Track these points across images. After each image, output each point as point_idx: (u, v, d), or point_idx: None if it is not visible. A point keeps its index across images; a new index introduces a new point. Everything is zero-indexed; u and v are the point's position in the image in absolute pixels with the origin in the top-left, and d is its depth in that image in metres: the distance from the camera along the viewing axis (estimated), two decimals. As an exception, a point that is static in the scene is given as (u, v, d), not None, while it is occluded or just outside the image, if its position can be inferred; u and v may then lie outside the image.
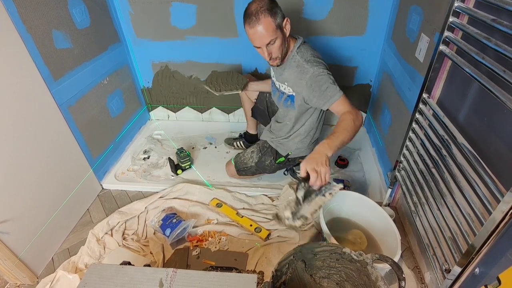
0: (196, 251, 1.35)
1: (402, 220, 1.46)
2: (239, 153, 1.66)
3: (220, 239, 1.39)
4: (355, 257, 0.96)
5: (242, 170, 1.62)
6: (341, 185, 1.03)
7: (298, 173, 1.67)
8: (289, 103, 1.39)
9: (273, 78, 1.47)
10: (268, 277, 0.93)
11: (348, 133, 1.07)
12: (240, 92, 1.61)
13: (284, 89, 1.36)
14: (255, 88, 1.70)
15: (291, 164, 1.64)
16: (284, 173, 1.75)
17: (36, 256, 1.29)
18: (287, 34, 1.23)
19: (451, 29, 0.93)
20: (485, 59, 0.75)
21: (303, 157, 1.60)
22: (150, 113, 2.28)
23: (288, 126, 1.49)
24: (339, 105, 1.19)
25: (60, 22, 1.38)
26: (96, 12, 1.62)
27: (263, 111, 1.74)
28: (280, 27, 1.18)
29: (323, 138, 1.12)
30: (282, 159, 1.57)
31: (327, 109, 1.25)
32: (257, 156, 1.59)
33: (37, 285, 1.24)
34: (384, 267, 1.04)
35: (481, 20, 0.78)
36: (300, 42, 1.29)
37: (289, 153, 1.55)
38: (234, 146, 1.96)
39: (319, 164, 0.98)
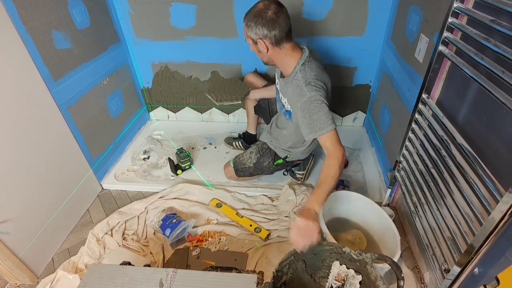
0: (196, 251, 1.35)
1: (402, 220, 1.46)
2: (238, 154, 1.66)
3: (220, 239, 1.39)
4: (354, 256, 0.96)
5: (240, 170, 1.62)
6: (359, 278, 0.93)
7: (298, 173, 1.67)
8: (288, 117, 1.38)
9: (277, 86, 1.46)
10: (267, 277, 0.93)
11: (334, 181, 1.06)
12: (239, 102, 1.61)
13: (285, 103, 1.35)
14: (256, 97, 1.71)
15: (289, 166, 1.65)
16: (284, 173, 1.76)
17: (36, 256, 1.29)
18: (266, 52, 1.21)
19: (451, 29, 0.94)
20: (484, 60, 0.75)
21: (301, 160, 1.60)
22: (150, 113, 2.29)
23: (286, 137, 1.49)
24: (326, 139, 1.14)
25: (60, 23, 1.38)
26: (96, 12, 1.62)
27: (265, 109, 1.75)
28: (253, 41, 1.20)
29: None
30: (280, 161, 1.57)
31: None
32: (255, 157, 1.59)
33: (37, 285, 1.24)
34: (384, 267, 1.04)
35: (480, 20, 0.78)
36: (305, 57, 1.21)
37: (288, 156, 1.55)
38: (233, 146, 1.96)
39: (305, 237, 0.95)
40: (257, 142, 1.66)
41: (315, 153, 1.75)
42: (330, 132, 1.13)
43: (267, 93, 1.67)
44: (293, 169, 1.70)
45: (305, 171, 1.67)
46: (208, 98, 1.75)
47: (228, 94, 1.64)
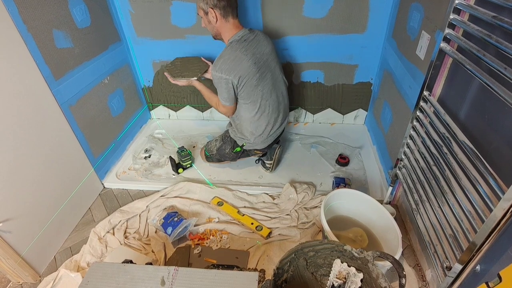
0: (198, 250, 1.35)
1: (403, 217, 1.46)
2: (208, 142, 1.80)
3: (221, 237, 1.40)
4: (356, 254, 0.96)
5: (209, 157, 1.76)
6: (361, 275, 0.93)
7: (267, 163, 1.77)
8: None
9: None
10: (269, 275, 0.93)
11: (207, 95, 1.61)
12: (195, 79, 1.65)
13: None
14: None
15: (247, 154, 1.74)
16: (256, 162, 1.83)
17: (38, 255, 1.29)
18: (214, 22, 1.38)
19: (452, 26, 0.93)
20: (486, 56, 0.75)
21: (258, 150, 1.69)
22: (151, 112, 2.29)
23: (233, 120, 1.65)
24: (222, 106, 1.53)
25: (60, 22, 1.38)
26: (96, 11, 1.62)
27: None
28: (204, 11, 1.37)
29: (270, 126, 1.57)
30: (238, 148, 1.69)
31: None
32: (219, 144, 1.73)
33: (39, 283, 1.24)
34: (385, 265, 1.04)
35: (482, 17, 0.77)
36: (236, 37, 1.40)
37: (244, 144, 1.65)
38: None
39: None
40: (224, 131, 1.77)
41: (282, 144, 1.86)
42: (224, 105, 1.51)
43: None
44: (262, 158, 1.79)
45: (272, 161, 1.73)
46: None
47: (185, 71, 1.69)
